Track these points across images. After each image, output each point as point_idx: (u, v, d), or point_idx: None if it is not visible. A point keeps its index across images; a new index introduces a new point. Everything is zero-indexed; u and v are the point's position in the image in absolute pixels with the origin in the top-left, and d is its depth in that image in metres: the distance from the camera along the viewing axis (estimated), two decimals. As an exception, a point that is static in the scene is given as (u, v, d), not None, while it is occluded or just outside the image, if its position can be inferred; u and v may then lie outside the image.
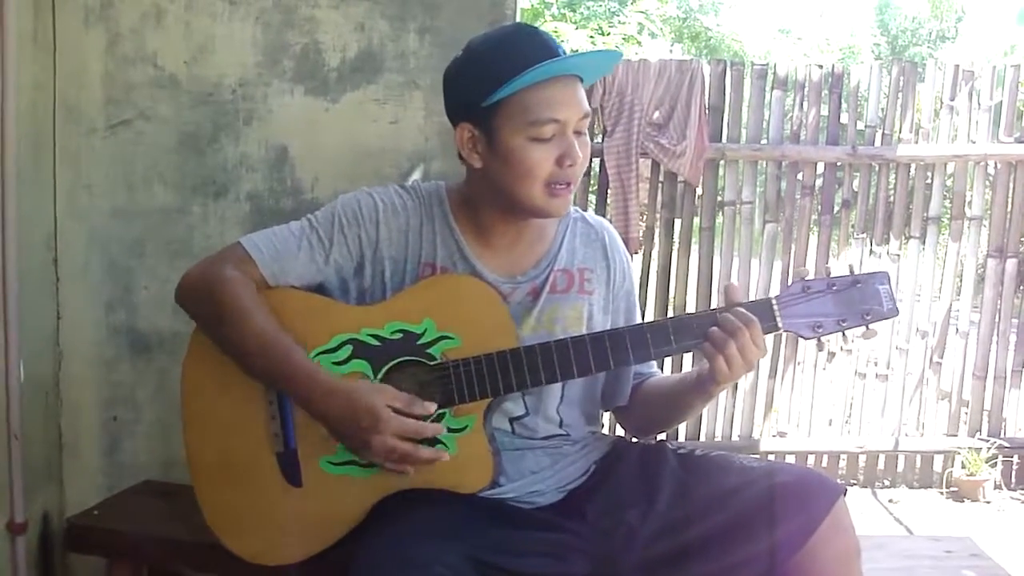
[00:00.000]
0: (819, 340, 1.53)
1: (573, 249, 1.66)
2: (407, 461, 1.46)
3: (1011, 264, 4.27)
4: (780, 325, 1.49)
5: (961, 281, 4.36)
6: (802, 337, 1.51)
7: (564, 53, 1.50)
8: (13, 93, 1.93)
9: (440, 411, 1.49)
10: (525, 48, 1.48)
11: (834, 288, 1.49)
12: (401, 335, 1.52)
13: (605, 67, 1.63)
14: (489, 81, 1.47)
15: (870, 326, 1.49)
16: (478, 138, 1.52)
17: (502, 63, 1.46)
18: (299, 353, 1.49)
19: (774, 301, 1.49)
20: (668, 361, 4.03)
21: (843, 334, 1.51)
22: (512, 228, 1.60)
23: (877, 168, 4.31)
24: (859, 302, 1.49)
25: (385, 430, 1.43)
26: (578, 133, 1.51)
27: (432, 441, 1.48)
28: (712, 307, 1.53)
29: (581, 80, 1.54)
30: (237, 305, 1.51)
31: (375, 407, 1.44)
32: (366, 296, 1.59)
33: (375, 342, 1.52)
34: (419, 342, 1.51)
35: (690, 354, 1.55)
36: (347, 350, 1.52)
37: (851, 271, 1.51)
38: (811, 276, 1.51)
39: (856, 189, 4.29)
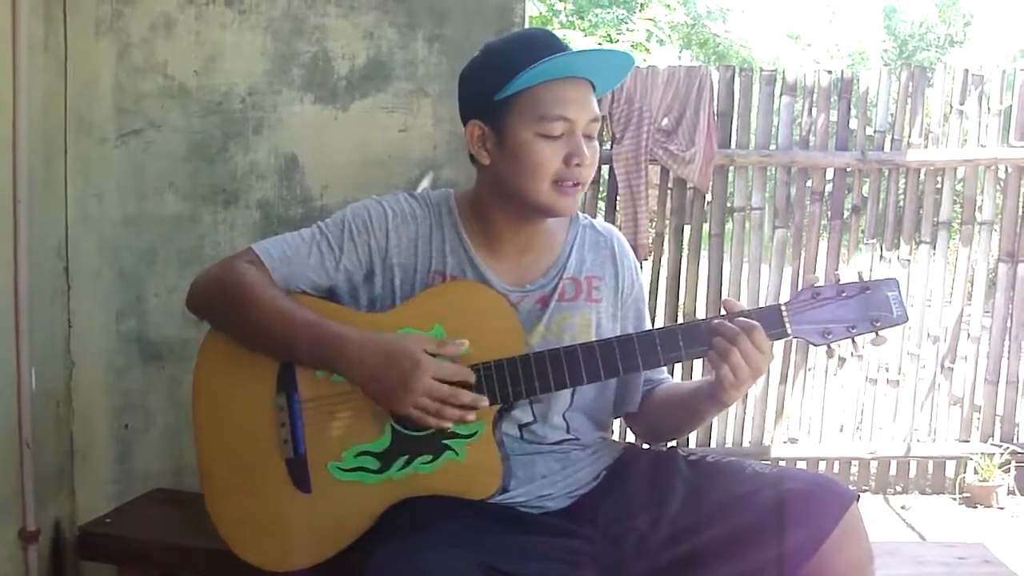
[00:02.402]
0: (829, 347, 1.52)
1: (582, 257, 1.66)
2: (447, 404, 1.44)
3: (1022, 268, 4.26)
4: (790, 331, 1.48)
5: (972, 286, 4.34)
6: (812, 344, 1.50)
7: None
8: (25, 102, 1.94)
9: None
10: (540, 45, 1.49)
11: (844, 294, 1.48)
12: None
13: (618, 73, 1.62)
14: (503, 75, 1.48)
15: (880, 333, 1.48)
16: (488, 134, 1.53)
17: (516, 58, 1.47)
18: (324, 320, 1.49)
19: (783, 307, 1.48)
20: (679, 366, 4.03)
21: (853, 341, 1.50)
22: (521, 235, 1.60)
23: (887, 173, 4.30)
24: (869, 308, 1.48)
25: (426, 370, 1.43)
26: (587, 137, 1.52)
27: (441, 447, 1.49)
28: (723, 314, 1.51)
29: (594, 88, 1.54)
30: (254, 290, 1.51)
31: (412, 350, 1.44)
32: (376, 303, 1.59)
33: None
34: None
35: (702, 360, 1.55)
36: None
37: (860, 278, 1.50)
38: (820, 283, 1.50)
39: (866, 194, 4.28)
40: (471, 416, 1.45)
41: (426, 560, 1.31)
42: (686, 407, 1.62)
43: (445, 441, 1.49)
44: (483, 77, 1.54)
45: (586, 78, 1.53)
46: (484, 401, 1.46)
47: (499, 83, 1.48)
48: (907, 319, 1.50)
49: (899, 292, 1.49)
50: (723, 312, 1.49)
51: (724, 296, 4.21)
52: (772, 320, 1.47)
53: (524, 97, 1.49)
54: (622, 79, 1.63)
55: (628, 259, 1.71)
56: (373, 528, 1.49)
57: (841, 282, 1.49)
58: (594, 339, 1.57)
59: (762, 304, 4.16)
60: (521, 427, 1.57)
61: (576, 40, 8.68)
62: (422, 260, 1.59)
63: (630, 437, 1.80)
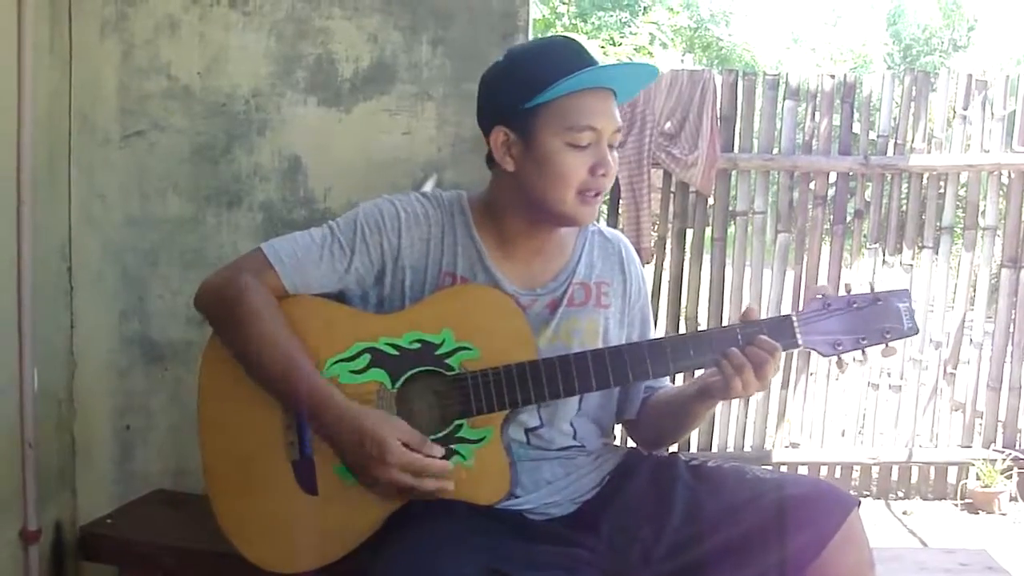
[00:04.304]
0: (839, 358, 1.52)
1: (591, 263, 1.66)
2: (411, 494, 1.45)
3: (1025, 274, 4.26)
4: (800, 342, 1.49)
5: (975, 291, 4.34)
6: (821, 354, 1.51)
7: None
8: (29, 103, 1.94)
9: (458, 422, 1.49)
10: (569, 56, 1.51)
11: (855, 306, 1.49)
12: (419, 345, 1.51)
13: (641, 83, 1.65)
14: (533, 84, 1.49)
15: (889, 344, 1.49)
16: (514, 141, 1.54)
17: (547, 68, 1.49)
18: (315, 374, 1.49)
19: (795, 318, 1.49)
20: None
21: (863, 352, 1.50)
22: (535, 239, 1.61)
23: (890, 178, 4.30)
24: (879, 320, 1.48)
25: (391, 462, 1.42)
26: (610, 146, 1.53)
27: (449, 452, 1.48)
28: (730, 322, 1.53)
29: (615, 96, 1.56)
30: (255, 319, 1.50)
31: (384, 438, 1.43)
32: (385, 304, 1.59)
33: (393, 351, 1.52)
34: (437, 352, 1.51)
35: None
36: (365, 359, 1.52)
37: (871, 288, 1.50)
38: (829, 292, 1.50)
39: (869, 199, 4.28)
40: (450, 486, 1.45)
41: (436, 565, 1.31)
42: (678, 410, 1.63)
43: (453, 446, 1.49)
44: (511, 84, 1.54)
45: (610, 88, 1.54)
46: (449, 486, 1.45)
47: (529, 92, 1.49)
48: (918, 331, 1.51)
49: (910, 303, 1.50)
50: (743, 320, 1.51)
51: (728, 300, 4.22)
52: (782, 330, 1.48)
53: (553, 106, 1.50)
54: (643, 88, 1.66)
55: (635, 266, 1.72)
56: (380, 531, 1.49)
57: (852, 292, 1.50)
58: (602, 345, 1.58)
59: (764, 309, 4.19)
60: (527, 431, 1.57)
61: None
62: (433, 261, 1.59)
63: (631, 442, 1.80)
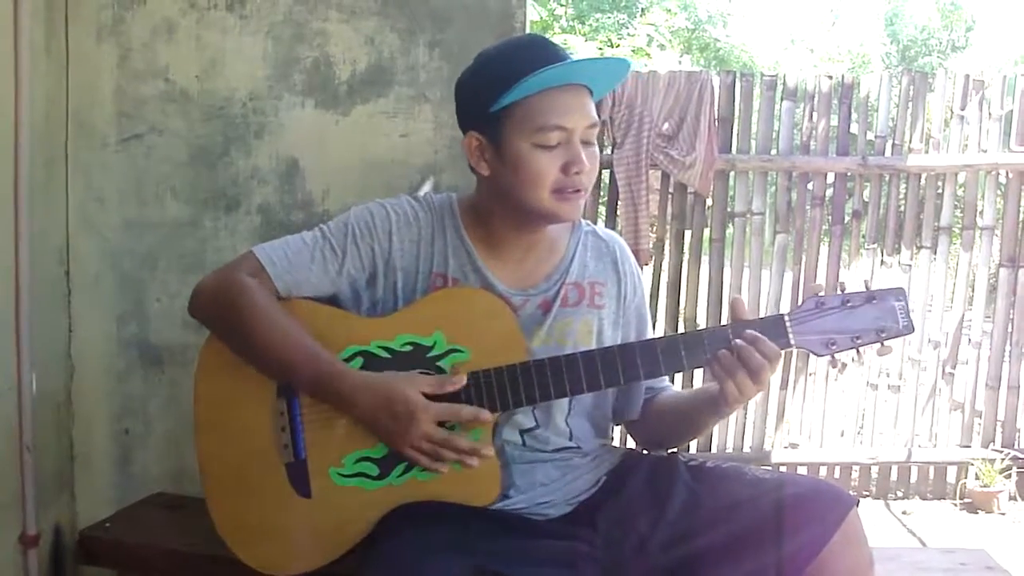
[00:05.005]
0: (833, 357, 1.51)
1: (584, 263, 1.65)
2: (445, 448, 1.44)
3: (1023, 274, 4.25)
4: (793, 342, 1.47)
5: (973, 291, 4.34)
6: (815, 354, 1.49)
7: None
8: (26, 106, 1.94)
9: (449, 425, 1.49)
10: (534, 55, 1.48)
11: (848, 304, 1.47)
12: (411, 347, 1.51)
13: (615, 77, 1.62)
14: (497, 86, 1.47)
15: (885, 343, 1.48)
16: (486, 146, 1.53)
17: (511, 69, 1.46)
18: (325, 353, 1.49)
19: (787, 317, 1.48)
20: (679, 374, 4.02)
21: (857, 351, 1.49)
22: (524, 239, 1.60)
23: (888, 178, 4.31)
24: (874, 318, 1.47)
25: (422, 417, 1.43)
26: (586, 143, 1.51)
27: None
28: (724, 322, 1.51)
29: (591, 92, 1.54)
30: (257, 311, 1.50)
31: (409, 396, 1.44)
32: (378, 307, 1.59)
33: (385, 355, 1.52)
34: (429, 355, 1.51)
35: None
36: (358, 362, 1.52)
37: (866, 287, 1.49)
38: (824, 292, 1.49)
39: (867, 199, 4.28)
40: (473, 462, 1.46)
41: (425, 567, 1.32)
42: (686, 416, 1.63)
43: None
44: (477, 88, 1.53)
45: (582, 84, 1.52)
46: (489, 449, 1.46)
47: (493, 95, 1.48)
48: (913, 329, 1.49)
49: (905, 302, 1.48)
50: (731, 312, 1.50)
51: (727, 301, 4.21)
52: (775, 330, 1.47)
53: (520, 108, 1.48)
54: (619, 83, 1.63)
55: (630, 265, 1.71)
56: (372, 533, 1.49)
57: (846, 291, 1.49)
58: (595, 346, 1.58)
59: (763, 310, 4.19)
60: (523, 433, 1.57)
61: (577, 45, 8.69)
62: (424, 263, 1.59)
63: (630, 443, 1.80)
